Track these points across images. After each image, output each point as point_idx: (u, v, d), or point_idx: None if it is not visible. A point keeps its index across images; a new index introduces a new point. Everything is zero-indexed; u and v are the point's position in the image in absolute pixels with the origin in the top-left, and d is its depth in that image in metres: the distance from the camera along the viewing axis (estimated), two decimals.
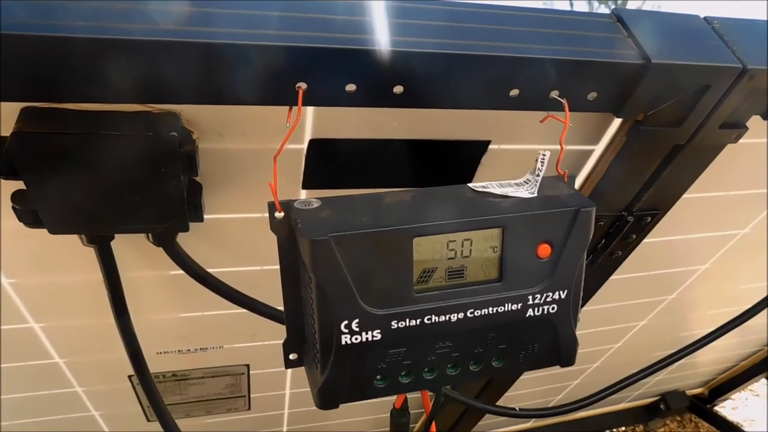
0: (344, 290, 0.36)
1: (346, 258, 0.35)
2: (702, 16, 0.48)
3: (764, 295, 0.78)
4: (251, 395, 0.85)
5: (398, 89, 0.39)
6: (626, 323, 1.00)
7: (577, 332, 0.44)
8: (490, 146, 0.52)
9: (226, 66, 0.35)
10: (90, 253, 0.48)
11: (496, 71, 0.40)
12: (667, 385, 1.45)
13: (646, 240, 0.66)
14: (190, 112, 0.42)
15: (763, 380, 1.47)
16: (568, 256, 0.40)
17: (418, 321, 0.38)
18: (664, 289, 0.92)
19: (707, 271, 0.88)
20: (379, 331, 0.37)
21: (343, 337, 0.37)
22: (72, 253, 0.51)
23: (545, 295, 0.40)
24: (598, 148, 0.55)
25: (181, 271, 0.51)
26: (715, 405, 1.56)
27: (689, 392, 1.53)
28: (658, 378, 1.35)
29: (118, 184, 0.41)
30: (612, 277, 0.73)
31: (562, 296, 0.41)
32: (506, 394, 1.00)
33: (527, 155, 0.54)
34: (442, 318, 0.38)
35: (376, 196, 0.39)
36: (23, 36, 0.31)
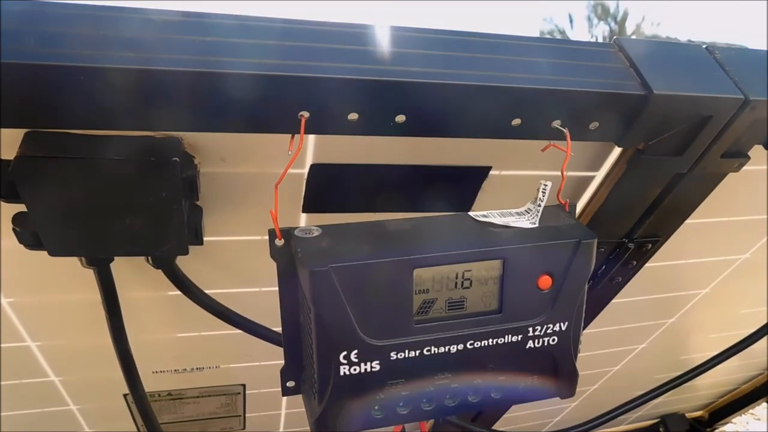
0: (344, 321, 0.36)
1: (346, 288, 0.35)
2: (704, 46, 0.48)
3: (765, 319, 0.77)
4: (246, 415, 0.84)
5: (400, 119, 0.39)
6: (626, 346, 0.99)
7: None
8: (491, 172, 0.52)
9: (229, 95, 0.35)
10: (88, 273, 0.48)
11: (499, 101, 0.40)
12: (667, 408, 1.44)
13: (646, 264, 0.66)
14: (192, 137, 0.42)
15: (764, 404, 1.46)
16: (569, 287, 0.39)
17: (418, 352, 0.38)
18: (664, 313, 0.91)
19: (707, 296, 0.88)
20: (378, 362, 0.37)
21: (341, 367, 0.36)
22: (70, 274, 0.51)
23: (545, 326, 0.40)
24: (599, 175, 0.55)
25: (179, 292, 0.51)
26: (715, 428, 1.54)
27: (689, 415, 1.51)
28: (658, 400, 1.34)
29: (119, 208, 0.41)
30: (612, 301, 0.72)
31: (563, 328, 0.41)
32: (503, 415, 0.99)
33: (528, 181, 0.54)
34: (442, 349, 0.38)
35: (377, 224, 0.39)
36: (27, 65, 0.31)
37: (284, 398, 0.84)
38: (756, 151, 0.52)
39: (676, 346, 1.05)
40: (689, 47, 0.48)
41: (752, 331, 0.81)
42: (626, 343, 0.98)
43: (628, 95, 0.42)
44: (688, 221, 0.60)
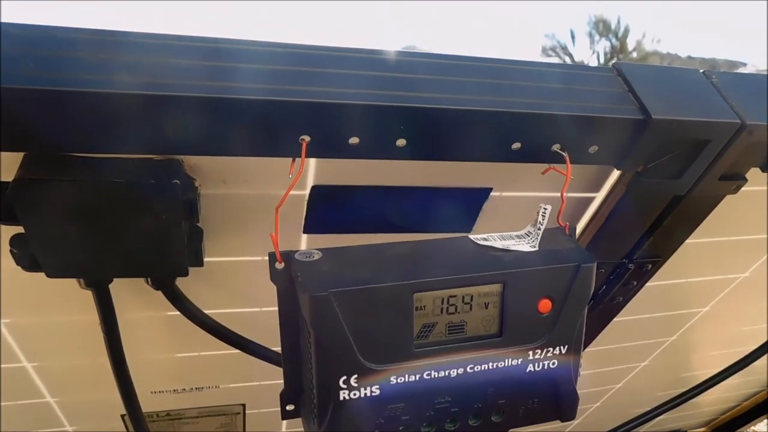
0: (343, 345, 0.35)
1: (346, 313, 0.35)
2: (701, 71, 0.49)
3: (765, 336, 0.77)
4: None
5: (401, 142, 0.39)
6: (627, 364, 0.99)
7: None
8: (492, 193, 0.52)
9: (230, 120, 0.35)
10: (87, 294, 0.48)
11: (499, 126, 0.40)
12: (669, 425, 1.43)
13: (647, 283, 0.66)
14: (193, 158, 0.42)
15: (765, 420, 1.45)
16: (569, 311, 0.39)
17: (418, 376, 0.38)
18: (665, 331, 0.91)
19: (708, 314, 0.88)
20: (378, 386, 0.37)
21: (341, 392, 0.36)
22: (68, 295, 0.51)
23: (545, 350, 0.40)
24: (599, 196, 0.55)
25: (179, 312, 0.51)
26: None
27: None
28: (660, 418, 1.33)
29: (119, 231, 0.41)
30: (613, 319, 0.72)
31: (563, 351, 0.40)
32: None
33: (528, 203, 0.54)
34: (442, 373, 0.38)
35: (377, 247, 0.39)
36: (27, 89, 0.32)
37: None
38: (754, 172, 0.52)
39: (677, 364, 1.04)
40: (686, 72, 0.48)
41: (753, 348, 0.81)
42: (627, 361, 0.97)
43: (627, 120, 0.43)
44: (687, 241, 0.60)
